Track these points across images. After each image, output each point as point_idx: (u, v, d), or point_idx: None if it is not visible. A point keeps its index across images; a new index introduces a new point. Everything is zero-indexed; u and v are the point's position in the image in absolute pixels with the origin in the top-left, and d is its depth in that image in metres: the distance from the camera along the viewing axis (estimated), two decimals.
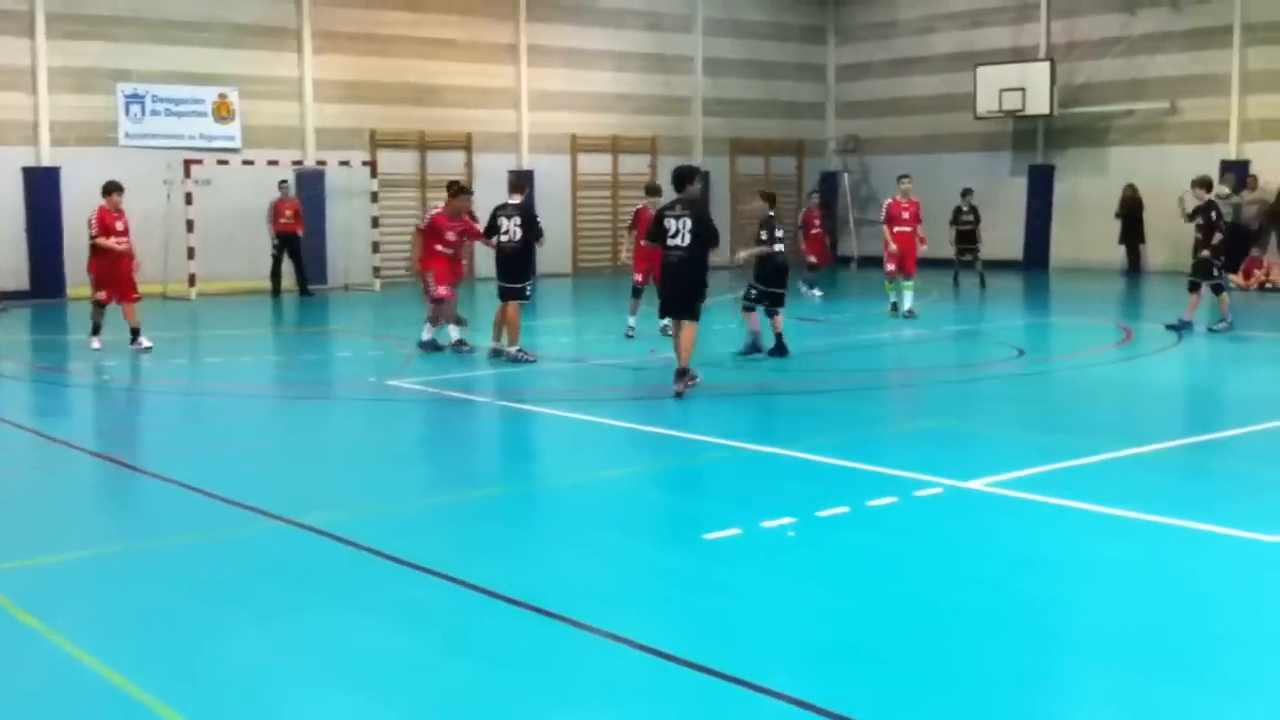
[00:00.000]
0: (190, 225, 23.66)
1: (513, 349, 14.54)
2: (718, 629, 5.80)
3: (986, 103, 29.73)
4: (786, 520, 7.48)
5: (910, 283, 19.45)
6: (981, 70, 29.83)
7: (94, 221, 15.86)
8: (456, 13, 27.92)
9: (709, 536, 7.22)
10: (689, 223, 12.07)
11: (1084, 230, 28.56)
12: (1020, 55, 29.82)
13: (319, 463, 9.95)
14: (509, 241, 14.59)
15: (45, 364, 15.42)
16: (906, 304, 19.32)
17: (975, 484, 8.39)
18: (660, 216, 12.48)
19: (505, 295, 14.63)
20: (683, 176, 12.41)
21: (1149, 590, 6.33)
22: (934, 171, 29.16)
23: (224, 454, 10.12)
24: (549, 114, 29.31)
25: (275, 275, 24.39)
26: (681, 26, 31.51)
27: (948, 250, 25.03)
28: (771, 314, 14.74)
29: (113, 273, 15.87)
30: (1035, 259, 29.88)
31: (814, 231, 24.35)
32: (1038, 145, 30.28)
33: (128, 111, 24.11)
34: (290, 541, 7.35)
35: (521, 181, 15.62)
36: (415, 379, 13.44)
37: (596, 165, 30.30)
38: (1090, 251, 28.58)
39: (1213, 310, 17.51)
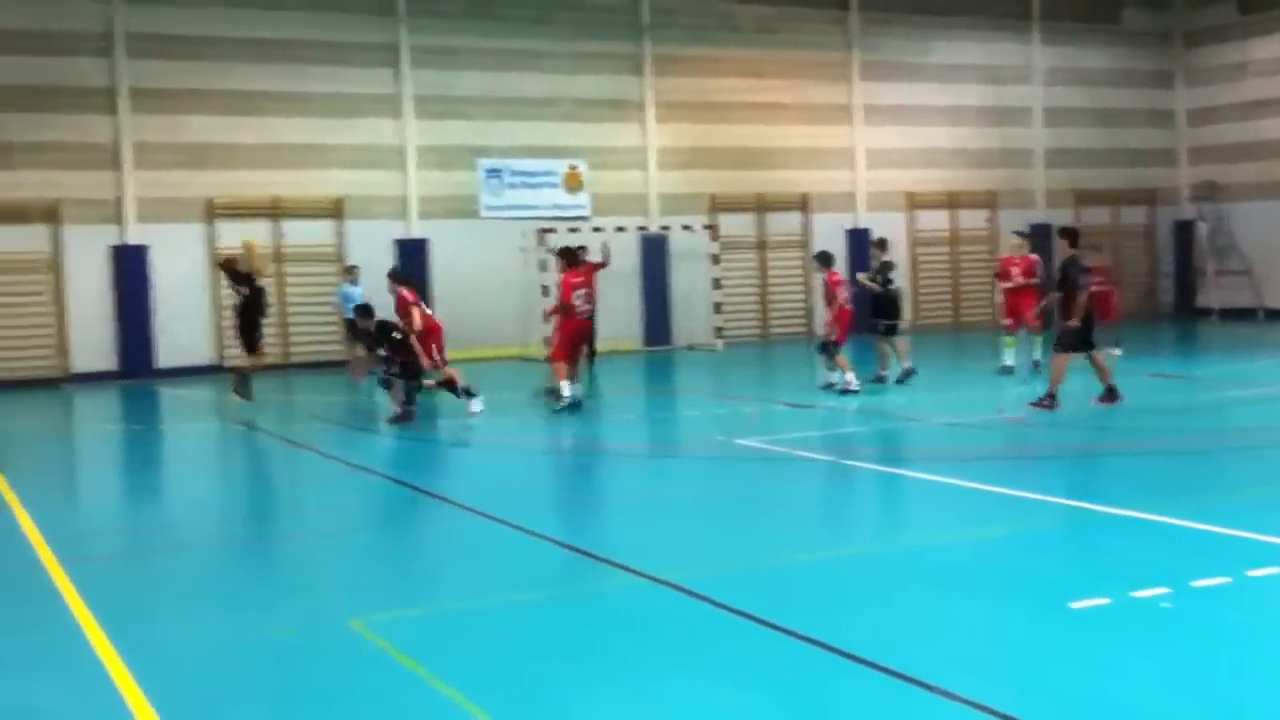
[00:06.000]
0: (546, 291, 24.80)
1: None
2: (1083, 702, 5.58)
3: None
4: (1160, 590, 7.14)
5: (1012, 339, 18.76)
6: None
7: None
8: (790, 77, 28.36)
9: (1075, 605, 6.98)
10: None
11: None
12: None
13: (675, 519, 10.18)
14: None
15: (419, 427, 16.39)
16: (1008, 359, 18.67)
17: None
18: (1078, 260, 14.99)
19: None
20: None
21: None
22: None
23: (584, 511, 10.54)
24: (883, 171, 29.26)
25: None
26: (1020, 78, 30.86)
27: None
28: None
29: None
30: None
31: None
32: None
33: (487, 185, 25.69)
34: (647, 597, 7.57)
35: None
36: (762, 438, 13.60)
37: (934, 221, 29.98)
38: None
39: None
